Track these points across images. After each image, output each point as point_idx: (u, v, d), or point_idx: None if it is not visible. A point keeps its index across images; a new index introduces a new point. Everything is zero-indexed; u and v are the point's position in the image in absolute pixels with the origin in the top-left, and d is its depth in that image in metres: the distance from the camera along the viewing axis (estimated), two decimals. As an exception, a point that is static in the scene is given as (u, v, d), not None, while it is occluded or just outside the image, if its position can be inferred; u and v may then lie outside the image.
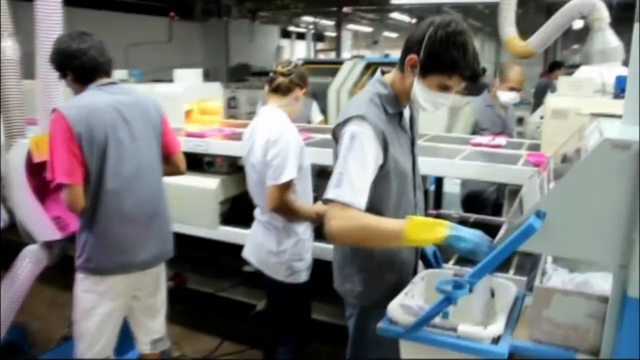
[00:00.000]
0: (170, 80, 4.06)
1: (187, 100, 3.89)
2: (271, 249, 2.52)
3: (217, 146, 3.19)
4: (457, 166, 2.60)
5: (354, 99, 1.89)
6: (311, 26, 15.24)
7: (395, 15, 13.69)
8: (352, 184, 1.68)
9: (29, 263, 2.59)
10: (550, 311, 1.50)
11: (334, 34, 14.08)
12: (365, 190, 1.70)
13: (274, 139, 2.39)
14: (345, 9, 12.62)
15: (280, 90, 2.50)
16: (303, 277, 2.50)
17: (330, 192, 1.68)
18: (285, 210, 2.43)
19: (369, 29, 16.05)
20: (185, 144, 3.26)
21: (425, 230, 1.59)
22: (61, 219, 2.60)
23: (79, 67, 2.30)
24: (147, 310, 2.58)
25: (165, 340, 2.69)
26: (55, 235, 2.55)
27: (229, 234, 3.18)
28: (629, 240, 1.32)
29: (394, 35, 16.46)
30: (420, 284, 1.84)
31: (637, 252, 1.32)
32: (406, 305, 1.63)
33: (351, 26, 15.18)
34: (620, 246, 1.34)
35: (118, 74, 4.32)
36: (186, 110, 4.06)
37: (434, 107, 1.80)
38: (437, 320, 1.56)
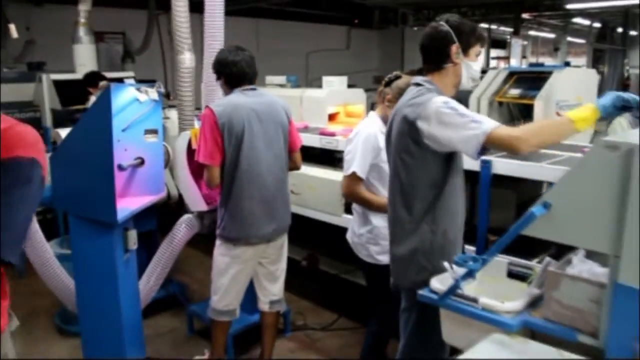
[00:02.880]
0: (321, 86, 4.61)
1: (331, 104, 4.40)
2: (354, 230, 2.93)
3: (342, 143, 3.64)
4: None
5: (420, 95, 2.12)
6: (485, 33, 15.09)
7: (578, 20, 13.05)
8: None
9: (184, 228, 3.27)
10: (559, 294, 1.71)
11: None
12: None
13: (350, 138, 2.83)
14: (524, 15, 12.33)
15: (379, 97, 2.89)
16: (381, 259, 2.75)
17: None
18: (355, 199, 2.83)
19: (550, 35, 15.41)
20: (319, 141, 3.78)
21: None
22: (209, 195, 3.23)
23: (230, 74, 2.91)
24: (269, 275, 3.13)
25: (281, 303, 3.22)
26: (203, 207, 3.19)
27: (350, 221, 3.62)
28: (619, 231, 1.51)
29: (580, 40, 15.56)
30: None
31: (626, 242, 1.50)
32: (444, 278, 1.94)
33: (532, 32, 14.74)
34: (613, 237, 1.53)
35: (277, 79, 4.98)
36: (333, 113, 4.59)
37: (474, 81, 2.25)
38: (468, 293, 1.86)
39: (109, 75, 5.02)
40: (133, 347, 2.94)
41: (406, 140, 2.11)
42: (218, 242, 3.00)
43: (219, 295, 3.04)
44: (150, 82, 4.52)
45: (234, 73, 2.89)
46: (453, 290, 1.84)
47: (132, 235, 2.81)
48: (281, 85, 4.84)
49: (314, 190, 3.75)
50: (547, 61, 14.25)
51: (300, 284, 4.28)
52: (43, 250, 3.03)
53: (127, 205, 2.78)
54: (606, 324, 1.60)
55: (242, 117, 2.81)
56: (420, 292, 1.95)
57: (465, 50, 2.13)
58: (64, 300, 3.18)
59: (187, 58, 3.57)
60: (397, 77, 2.82)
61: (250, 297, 3.21)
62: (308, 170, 3.84)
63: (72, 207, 2.76)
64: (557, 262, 1.84)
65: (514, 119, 5.14)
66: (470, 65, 2.16)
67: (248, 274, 3.05)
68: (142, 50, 7.28)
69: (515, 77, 5.05)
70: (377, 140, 2.76)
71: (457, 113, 1.96)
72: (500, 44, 16.89)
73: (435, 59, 2.15)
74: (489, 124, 1.90)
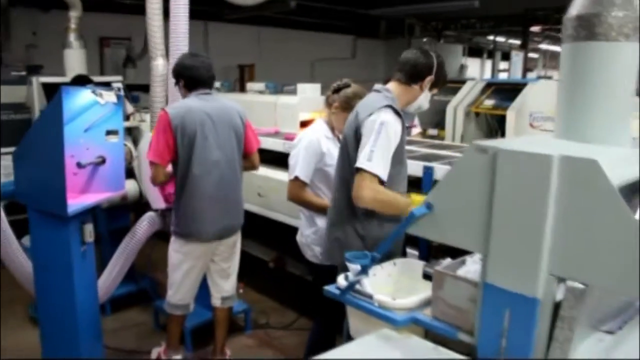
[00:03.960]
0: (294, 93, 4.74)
1: (304, 110, 4.52)
2: (301, 232, 3.05)
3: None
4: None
5: (373, 100, 2.48)
6: (491, 45, 15.08)
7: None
8: (380, 160, 2.28)
9: (146, 224, 3.42)
10: (444, 293, 1.80)
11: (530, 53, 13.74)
12: (388, 168, 2.32)
13: (294, 144, 3.03)
14: (533, 28, 12.33)
15: (327, 103, 3.02)
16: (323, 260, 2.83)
17: (363, 164, 2.27)
18: (300, 202, 3.01)
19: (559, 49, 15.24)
20: (282, 146, 3.91)
21: None
22: (171, 195, 3.37)
23: (188, 78, 3.06)
24: (221, 272, 3.26)
25: (233, 299, 3.35)
26: (161, 205, 3.34)
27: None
28: (487, 232, 1.60)
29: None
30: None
31: (492, 243, 1.59)
32: (348, 275, 2.05)
33: (543, 46, 14.70)
34: (482, 237, 1.62)
35: (257, 86, 5.13)
36: (308, 120, 4.71)
37: (419, 109, 2.61)
38: (368, 291, 1.96)
39: (100, 79, 5.21)
40: (88, 338, 3.07)
41: (352, 134, 2.44)
42: (172, 238, 3.14)
43: (173, 289, 3.18)
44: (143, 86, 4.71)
45: (191, 77, 3.03)
46: (351, 286, 1.95)
47: (88, 228, 2.94)
48: (260, 92, 4.98)
49: (279, 193, 3.87)
50: (556, 75, 14.18)
51: (267, 284, 4.40)
52: (10, 244, 3.19)
53: (86, 200, 2.93)
54: (478, 322, 1.69)
55: (195, 120, 2.94)
56: (326, 287, 2.06)
57: (433, 85, 2.50)
58: (31, 291, 3.34)
59: (160, 64, 3.74)
60: (346, 86, 2.95)
61: (206, 293, 3.35)
62: (273, 173, 3.97)
63: (30, 201, 2.91)
64: (454, 263, 1.94)
65: (491, 130, 5.22)
66: (427, 97, 2.54)
67: (200, 270, 3.19)
68: (142, 56, 7.48)
69: (493, 89, 5.13)
70: (319, 145, 2.89)
71: (377, 138, 2.29)
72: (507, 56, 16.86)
73: (410, 75, 2.47)
74: (372, 168, 2.27)
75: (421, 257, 2.92)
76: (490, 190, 1.57)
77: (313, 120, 4.82)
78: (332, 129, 3.04)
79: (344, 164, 2.54)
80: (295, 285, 4.22)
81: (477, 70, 16.38)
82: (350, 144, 2.46)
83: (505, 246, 1.55)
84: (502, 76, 14.02)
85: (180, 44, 3.44)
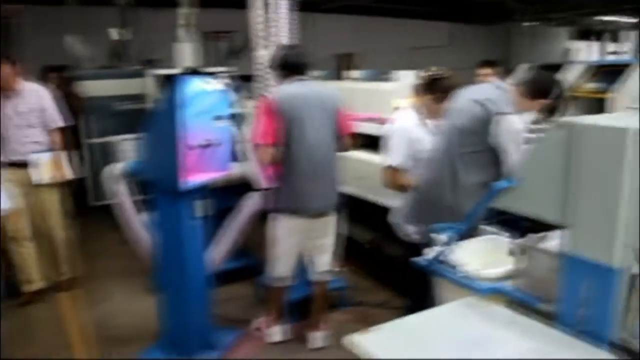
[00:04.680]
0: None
1: (399, 97, 4.62)
2: (394, 213, 3.21)
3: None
4: None
5: (499, 97, 2.75)
6: (600, 26, 14.29)
7: None
8: None
9: (250, 203, 3.70)
10: (527, 264, 1.90)
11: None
12: None
13: (387, 131, 3.29)
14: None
15: (419, 91, 3.16)
16: (416, 238, 3.02)
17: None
18: (394, 187, 3.24)
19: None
20: (377, 130, 4.06)
21: None
22: (273, 175, 3.62)
23: (285, 66, 3.30)
24: (317, 248, 3.48)
25: (329, 274, 3.56)
26: (264, 184, 3.58)
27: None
28: (567, 204, 1.68)
29: None
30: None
31: (571, 213, 1.66)
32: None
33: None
34: (562, 209, 1.69)
35: (354, 74, 5.31)
36: (402, 106, 4.81)
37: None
38: (455, 262, 2.09)
39: (208, 70, 5.62)
40: (199, 305, 3.40)
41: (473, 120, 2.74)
42: (273, 215, 3.40)
43: (274, 263, 3.45)
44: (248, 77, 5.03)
45: (289, 65, 3.27)
46: (438, 257, 2.08)
47: (198, 204, 3.27)
48: (357, 79, 5.15)
49: (375, 176, 4.03)
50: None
51: (363, 265, 4.59)
52: (132, 219, 3.60)
53: (196, 179, 3.24)
54: (559, 292, 1.77)
55: (295, 105, 3.18)
56: (415, 259, 2.21)
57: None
58: (150, 263, 3.72)
59: (262, 55, 4.00)
60: (437, 74, 3.08)
61: (305, 269, 3.59)
62: (370, 157, 4.14)
63: (151, 178, 3.26)
64: (536, 237, 2.02)
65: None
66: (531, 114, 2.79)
67: (299, 245, 3.43)
68: (244, 48, 7.86)
69: (595, 71, 4.98)
70: (410, 131, 3.03)
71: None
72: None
73: (532, 90, 2.71)
74: None
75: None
76: (569, 164, 1.65)
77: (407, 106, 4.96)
78: (423, 115, 3.16)
79: (450, 145, 2.74)
80: (390, 266, 4.37)
81: (584, 53, 15.64)
82: (469, 128, 2.71)
83: (583, 217, 1.62)
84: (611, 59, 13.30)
85: (281, 36, 3.68)
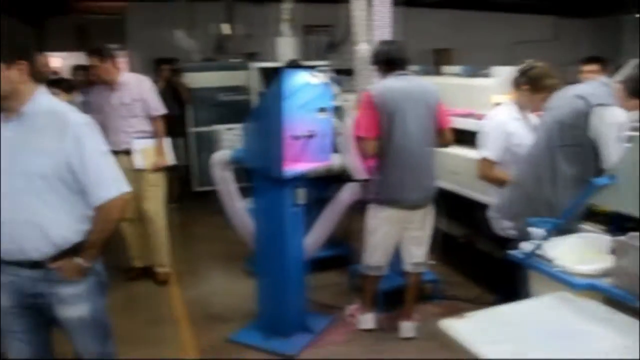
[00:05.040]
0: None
1: (498, 92, 4.57)
2: (491, 207, 3.21)
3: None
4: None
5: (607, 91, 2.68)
6: None
7: None
8: None
9: (348, 193, 3.81)
10: (625, 261, 1.89)
11: None
12: None
13: (483, 124, 3.30)
14: None
15: (514, 85, 3.15)
16: (511, 234, 3.00)
17: None
18: (489, 180, 3.24)
19: None
20: (474, 125, 4.05)
21: None
22: (372, 166, 3.72)
23: (385, 61, 3.39)
24: (413, 240, 3.55)
25: (423, 266, 3.62)
26: (363, 175, 3.69)
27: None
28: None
29: None
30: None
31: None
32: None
33: None
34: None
35: (453, 69, 5.29)
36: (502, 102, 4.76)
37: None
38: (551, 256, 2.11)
39: (308, 63, 5.80)
40: (295, 289, 3.57)
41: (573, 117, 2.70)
42: (372, 205, 3.50)
43: (369, 252, 3.56)
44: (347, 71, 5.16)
45: (388, 60, 3.36)
46: (534, 250, 2.10)
47: (300, 192, 3.44)
48: (455, 75, 5.13)
49: (471, 171, 4.03)
50: None
51: (456, 259, 4.61)
52: (236, 205, 3.81)
53: (297, 168, 3.41)
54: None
55: (395, 98, 3.27)
56: (510, 252, 2.24)
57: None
58: (251, 247, 3.93)
59: (362, 49, 4.11)
60: (533, 67, 3.07)
61: (399, 260, 3.67)
62: (466, 152, 4.15)
63: (255, 166, 3.46)
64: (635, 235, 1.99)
65: None
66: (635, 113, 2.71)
67: (394, 236, 3.51)
68: (343, 42, 8.00)
69: None
70: (507, 125, 3.04)
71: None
72: None
73: (633, 90, 2.60)
74: None
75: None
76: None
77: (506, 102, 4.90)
78: (521, 109, 3.16)
79: (550, 139, 2.74)
80: (483, 261, 4.36)
81: None
82: (569, 121, 2.68)
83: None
84: None
85: (382, 30, 3.78)
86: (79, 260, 2.15)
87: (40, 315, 2.24)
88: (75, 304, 2.21)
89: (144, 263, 4.74)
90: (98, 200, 2.12)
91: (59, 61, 11.31)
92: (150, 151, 4.49)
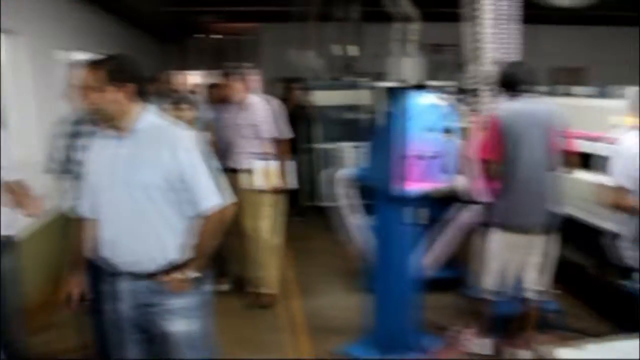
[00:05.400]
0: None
1: (624, 114, 4.30)
2: (622, 237, 3.06)
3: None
4: None
5: None
6: None
7: None
8: None
9: (468, 215, 3.79)
10: None
11: None
12: None
13: (613, 150, 3.15)
14: None
15: None
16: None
17: None
18: (621, 209, 3.06)
19: None
20: (603, 150, 3.86)
21: None
22: (494, 189, 3.65)
23: (510, 84, 3.36)
24: (535, 266, 3.45)
25: (540, 293, 3.51)
26: (485, 198, 3.63)
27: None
28: None
29: None
30: None
31: None
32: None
33: None
34: None
35: (583, 90, 5.07)
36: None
37: None
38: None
39: (433, 83, 5.81)
40: (409, 308, 3.59)
41: None
42: (492, 229, 3.46)
43: (487, 276, 3.51)
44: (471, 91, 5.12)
45: (514, 82, 3.32)
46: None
47: (420, 212, 3.47)
48: (586, 96, 4.91)
49: (599, 198, 3.84)
50: None
51: (584, 290, 4.46)
52: (355, 221, 3.92)
53: (415, 187, 3.44)
54: None
55: (518, 122, 3.24)
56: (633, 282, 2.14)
57: None
58: (366, 264, 4.00)
59: (486, 70, 4.08)
60: None
61: (519, 285, 3.57)
62: (589, 176, 3.97)
63: (376, 183, 3.53)
64: None
65: None
66: None
67: (513, 260, 3.43)
68: (469, 62, 7.91)
69: None
70: (637, 152, 2.89)
71: None
72: None
73: None
74: None
75: None
76: None
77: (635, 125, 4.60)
78: None
79: None
80: (604, 291, 4.13)
81: None
82: None
83: None
84: None
85: (510, 49, 3.73)
86: (185, 272, 2.24)
87: (152, 326, 2.34)
88: (178, 316, 2.29)
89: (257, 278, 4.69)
90: (204, 210, 2.23)
91: (196, 79, 12.15)
92: (271, 172, 4.53)
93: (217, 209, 2.25)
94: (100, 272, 2.37)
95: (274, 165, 4.56)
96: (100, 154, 2.31)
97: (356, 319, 4.10)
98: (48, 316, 4.21)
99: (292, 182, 4.79)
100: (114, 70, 2.20)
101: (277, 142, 4.57)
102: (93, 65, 2.22)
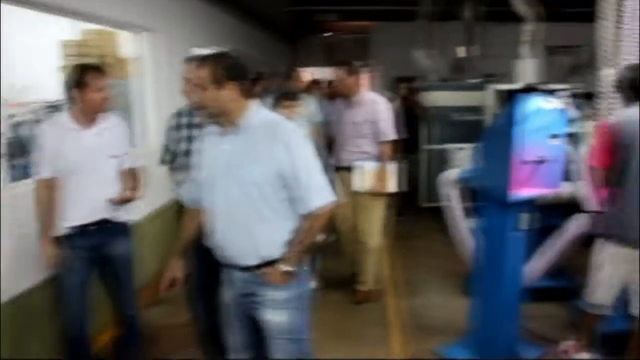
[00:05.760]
0: None
1: None
2: None
3: None
4: None
5: None
6: None
7: None
8: None
9: (576, 224, 3.66)
10: None
11: None
12: None
13: None
14: None
15: None
16: None
17: None
18: None
19: None
20: None
21: None
22: (605, 199, 3.52)
23: (626, 88, 3.21)
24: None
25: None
26: (595, 207, 3.49)
27: None
28: None
29: None
30: None
31: None
32: None
33: None
34: None
35: None
36: None
37: None
38: None
39: (547, 87, 5.62)
40: (509, 315, 3.52)
41: None
42: (599, 240, 3.33)
43: (593, 288, 3.37)
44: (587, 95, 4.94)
45: (632, 88, 3.17)
46: None
47: (525, 217, 3.39)
48: None
49: None
50: None
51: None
52: (460, 223, 3.92)
53: (525, 192, 3.37)
54: None
55: (634, 129, 3.07)
56: None
57: None
58: (469, 266, 3.98)
59: (608, 74, 3.90)
60: None
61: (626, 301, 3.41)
62: None
63: (481, 187, 3.51)
64: None
65: None
66: None
67: (621, 275, 3.27)
68: (587, 65, 7.53)
69: None
70: None
71: None
72: None
73: None
74: None
75: None
76: None
77: None
78: None
79: None
80: None
81: None
82: None
83: None
84: None
85: (632, 53, 3.56)
86: (283, 266, 2.27)
87: (254, 315, 2.40)
88: (276, 308, 2.33)
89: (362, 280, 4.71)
90: (306, 207, 2.23)
91: (309, 76, 12.48)
92: (373, 174, 4.42)
93: (320, 206, 2.24)
94: (208, 258, 2.50)
95: (376, 167, 4.45)
96: (212, 148, 2.36)
97: (457, 320, 4.10)
98: (160, 293, 4.59)
99: (401, 185, 4.71)
100: (228, 67, 2.23)
101: (382, 143, 4.47)
102: (207, 61, 2.24)
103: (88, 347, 3.26)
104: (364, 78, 4.60)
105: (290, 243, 2.28)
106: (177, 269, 2.55)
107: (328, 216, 2.32)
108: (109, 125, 3.13)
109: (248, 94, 2.30)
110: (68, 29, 4.85)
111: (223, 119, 2.28)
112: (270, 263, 2.28)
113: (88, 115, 3.02)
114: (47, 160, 2.98)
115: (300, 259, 2.32)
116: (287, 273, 2.28)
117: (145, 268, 4.71)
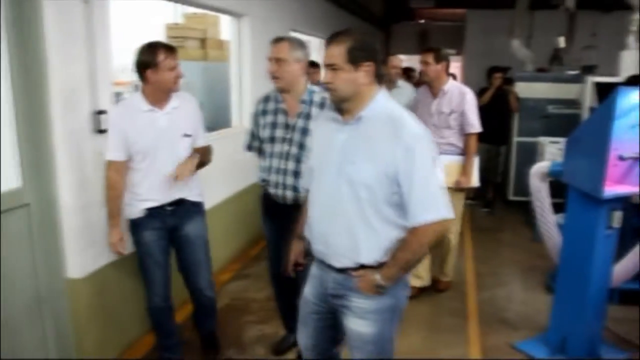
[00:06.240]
0: None
1: None
2: None
3: None
4: None
5: None
6: None
7: None
8: None
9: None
10: None
11: None
12: None
13: None
14: None
15: None
16: None
17: None
18: None
19: None
20: None
21: None
22: None
23: None
24: None
25: None
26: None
27: None
28: None
29: None
30: None
31: None
32: None
33: None
34: None
35: None
36: None
37: None
38: None
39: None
40: (592, 315, 3.42)
41: None
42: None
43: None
44: None
45: None
46: None
47: (617, 215, 3.28)
48: None
49: None
50: None
51: None
52: (548, 218, 3.84)
53: (620, 189, 3.26)
54: None
55: None
56: None
57: None
58: (555, 262, 3.89)
59: None
60: None
61: None
62: None
63: (573, 181, 3.42)
64: None
65: None
66: None
67: None
68: None
69: None
70: None
71: None
72: None
73: None
74: None
75: None
76: None
77: None
78: None
79: None
80: None
81: None
82: None
83: None
84: None
85: None
86: (377, 277, 2.06)
87: (333, 317, 2.27)
88: (363, 318, 2.14)
89: (426, 282, 4.61)
90: (416, 221, 1.98)
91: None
92: (456, 168, 4.27)
93: (432, 222, 1.97)
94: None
95: (459, 160, 4.30)
96: (326, 134, 2.15)
97: (536, 316, 4.04)
98: (243, 268, 4.97)
99: (476, 182, 4.43)
100: (364, 45, 1.99)
101: (467, 136, 4.29)
102: (342, 37, 1.99)
103: (172, 317, 3.35)
104: (454, 66, 4.52)
105: (392, 254, 2.06)
106: (298, 252, 2.47)
107: (438, 235, 2.04)
108: (180, 104, 3.03)
109: (380, 78, 2.08)
110: (172, 13, 5.13)
111: (350, 104, 2.04)
112: (366, 268, 2.09)
113: (160, 95, 2.94)
114: (119, 142, 2.91)
115: (395, 275, 2.07)
116: (377, 285, 2.07)
117: (230, 244, 5.02)
